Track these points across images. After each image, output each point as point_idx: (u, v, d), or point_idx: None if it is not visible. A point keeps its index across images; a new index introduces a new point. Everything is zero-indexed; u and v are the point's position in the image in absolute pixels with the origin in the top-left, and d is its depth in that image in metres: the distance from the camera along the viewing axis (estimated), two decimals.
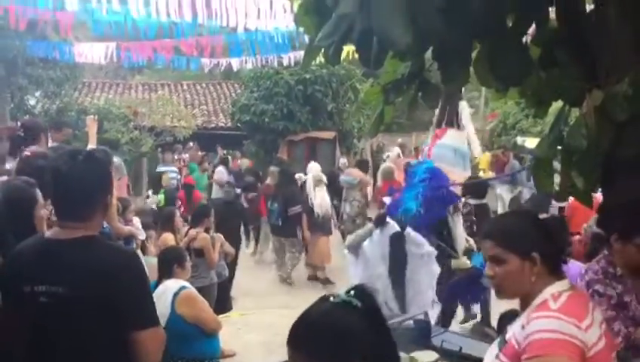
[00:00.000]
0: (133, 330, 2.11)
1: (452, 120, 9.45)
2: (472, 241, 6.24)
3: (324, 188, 9.63)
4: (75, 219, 2.17)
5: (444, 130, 10.20)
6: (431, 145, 10.29)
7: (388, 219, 5.26)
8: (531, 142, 13.78)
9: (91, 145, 5.02)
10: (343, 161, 13.72)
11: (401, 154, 15.63)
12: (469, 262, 5.85)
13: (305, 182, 9.95)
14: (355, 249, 5.27)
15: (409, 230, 5.26)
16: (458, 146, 9.87)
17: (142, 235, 5.64)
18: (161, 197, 10.01)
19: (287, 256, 9.63)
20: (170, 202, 10.17)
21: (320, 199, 9.36)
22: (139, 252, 5.40)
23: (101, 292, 2.06)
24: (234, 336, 6.15)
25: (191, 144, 16.53)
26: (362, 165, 12.78)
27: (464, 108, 9.72)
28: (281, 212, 9.36)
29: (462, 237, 6.10)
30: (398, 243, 5.17)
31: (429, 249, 5.30)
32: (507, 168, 14.52)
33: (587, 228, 6.36)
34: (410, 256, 5.20)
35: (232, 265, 7.93)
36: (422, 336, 3.01)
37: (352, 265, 5.45)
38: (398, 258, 5.21)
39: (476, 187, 7.29)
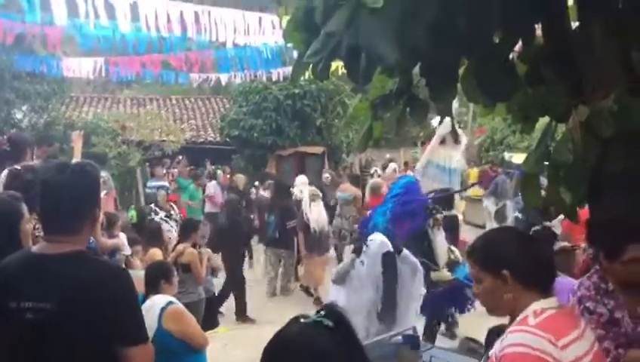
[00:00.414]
0: (123, 346, 2.08)
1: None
2: (457, 253, 6.27)
3: (321, 203, 9.56)
4: (64, 232, 2.14)
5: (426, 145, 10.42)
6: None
7: (376, 239, 5.15)
8: (518, 158, 13.91)
9: (76, 159, 4.99)
10: (325, 175, 13.69)
11: (397, 170, 15.65)
12: (449, 274, 5.88)
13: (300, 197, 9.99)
14: (342, 280, 5.21)
15: (404, 251, 5.18)
16: (440, 163, 10.02)
17: (127, 251, 5.59)
18: (132, 213, 9.85)
19: (281, 270, 9.57)
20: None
21: (317, 214, 9.22)
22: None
23: (90, 308, 2.03)
24: (220, 352, 6.09)
25: (180, 157, 16.49)
26: (354, 180, 12.82)
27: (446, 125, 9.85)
28: (278, 224, 9.35)
29: (443, 250, 6.13)
30: (391, 262, 5.08)
31: (419, 267, 5.27)
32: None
33: (586, 246, 6.42)
34: (401, 276, 5.14)
35: (232, 282, 7.90)
36: (411, 352, 3.00)
37: (333, 294, 5.32)
38: (391, 278, 5.11)
39: (443, 199, 7.37)
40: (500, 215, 12.78)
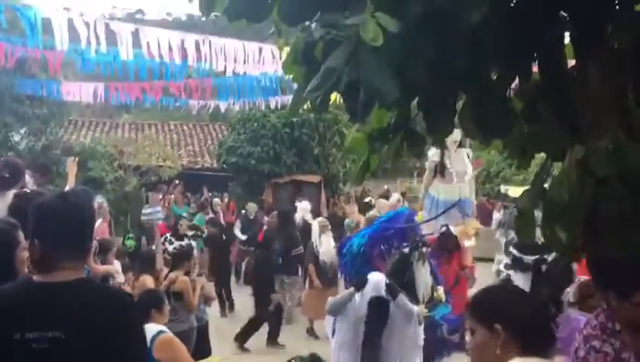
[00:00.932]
0: None
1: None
2: (441, 292, 6.20)
3: (330, 234, 9.52)
4: (74, 258, 2.13)
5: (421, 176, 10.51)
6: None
7: (372, 280, 4.99)
8: (514, 191, 13.96)
9: (69, 185, 5.00)
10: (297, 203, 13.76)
11: (401, 200, 15.62)
12: (425, 311, 5.80)
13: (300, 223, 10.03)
14: (336, 312, 5.03)
15: (401, 296, 4.97)
16: (441, 196, 10.09)
17: (120, 278, 5.55)
18: (130, 243, 9.82)
19: (287, 295, 9.52)
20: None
21: (326, 246, 9.15)
22: None
23: (101, 335, 2.02)
24: None
25: (177, 182, 16.46)
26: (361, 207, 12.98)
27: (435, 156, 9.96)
28: (282, 251, 9.32)
29: (425, 285, 6.04)
30: (377, 307, 4.86)
31: (414, 313, 5.03)
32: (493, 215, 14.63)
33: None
34: (393, 321, 4.90)
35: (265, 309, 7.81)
36: None
37: (329, 325, 5.13)
38: (374, 322, 4.88)
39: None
40: (509, 245, 12.71)
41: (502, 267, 7.50)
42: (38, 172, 5.93)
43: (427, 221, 8.75)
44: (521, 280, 6.77)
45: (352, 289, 5.08)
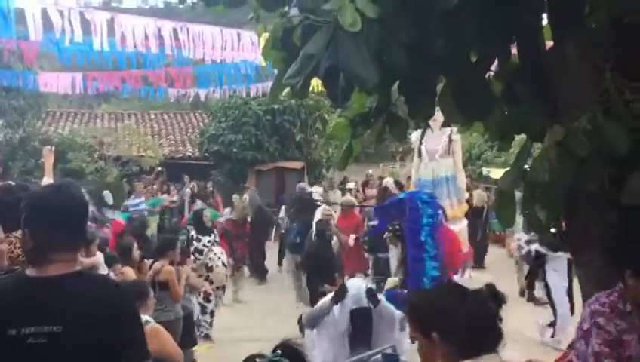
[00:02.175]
0: None
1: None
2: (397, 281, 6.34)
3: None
4: (69, 250, 2.10)
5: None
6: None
7: (351, 290, 4.57)
8: (496, 173, 14.04)
9: (47, 176, 4.86)
10: (311, 189, 13.69)
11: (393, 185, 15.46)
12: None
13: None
14: (313, 325, 4.63)
15: (382, 303, 4.64)
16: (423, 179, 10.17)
17: (103, 270, 5.50)
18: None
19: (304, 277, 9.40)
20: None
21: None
22: None
23: (100, 327, 2.00)
24: None
25: (159, 169, 16.28)
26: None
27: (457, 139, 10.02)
28: (300, 230, 9.39)
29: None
30: (361, 320, 4.49)
31: (396, 317, 4.64)
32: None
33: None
34: (376, 330, 4.55)
35: None
36: None
37: (307, 337, 4.69)
38: (360, 336, 4.52)
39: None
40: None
41: (523, 243, 7.87)
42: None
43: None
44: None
45: (328, 300, 4.58)
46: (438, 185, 10.10)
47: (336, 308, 4.49)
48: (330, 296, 4.65)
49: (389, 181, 12.15)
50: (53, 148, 5.41)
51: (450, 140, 9.99)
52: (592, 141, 2.10)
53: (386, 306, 4.62)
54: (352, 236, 9.25)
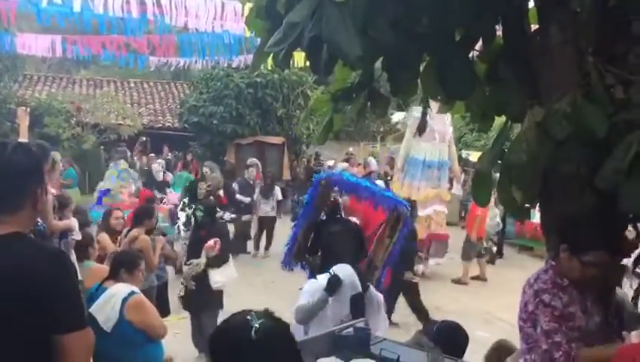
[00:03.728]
0: (58, 333, 1.97)
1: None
2: None
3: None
4: (3, 211, 2.05)
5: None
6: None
7: (345, 277, 4.42)
8: (475, 156, 14.15)
9: (22, 138, 4.75)
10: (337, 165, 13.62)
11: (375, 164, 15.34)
12: None
13: None
14: (308, 322, 4.41)
15: (371, 290, 4.57)
16: (429, 159, 10.20)
17: (78, 235, 5.44)
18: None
19: None
20: None
21: None
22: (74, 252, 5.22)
23: (23, 292, 1.93)
24: (172, 340, 6.00)
25: (143, 139, 16.05)
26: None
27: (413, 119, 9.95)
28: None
29: None
30: (360, 304, 4.36)
31: (382, 301, 4.63)
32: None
33: None
34: (367, 315, 4.34)
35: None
36: (361, 344, 3.02)
37: (298, 331, 4.40)
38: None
39: None
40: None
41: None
42: None
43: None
44: None
45: (323, 294, 4.32)
46: (442, 167, 10.20)
47: (332, 300, 4.34)
48: (313, 286, 4.46)
49: (371, 160, 12.15)
50: (28, 109, 5.30)
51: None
52: (571, 123, 2.12)
53: (373, 291, 4.56)
54: None
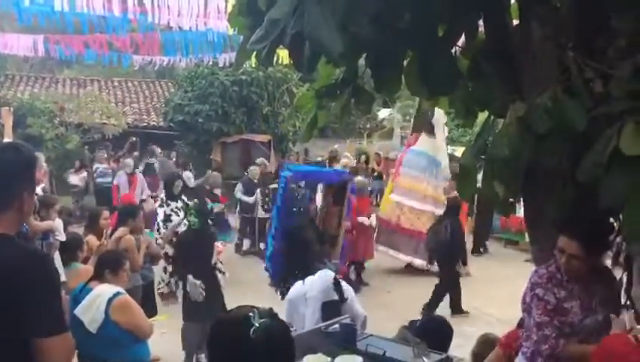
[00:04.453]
0: (37, 337, 1.92)
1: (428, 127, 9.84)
2: None
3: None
4: None
5: (416, 136, 10.46)
6: (404, 152, 10.58)
7: (316, 284, 4.35)
8: (460, 152, 14.21)
9: (7, 138, 4.73)
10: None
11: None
12: None
13: None
14: (296, 307, 4.38)
15: (351, 295, 4.42)
16: (431, 154, 10.20)
17: (62, 236, 5.40)
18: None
19: None
20: None
21: None
22: (57, 254, 5.17)
23: (2, 294, 1.91)
24: (159, 340, 5.99)
25: (133, 139, 15.85)
26: None
27: (440, 117, 10.02)
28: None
29: None
30: (332, 311, 4.20)
31: (362, 315, 4.39)
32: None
33: None
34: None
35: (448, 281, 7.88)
36: (347, 340, 3.03)
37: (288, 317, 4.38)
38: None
39: None
40: None
41: None
42: None
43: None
44: None
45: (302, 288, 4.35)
46: (437, 165, 10.22)
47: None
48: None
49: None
50: (11, 108, 5.28)
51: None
52: (551, 118, 2.13)
53: (352, 302, 4.37)
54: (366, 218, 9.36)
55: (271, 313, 1.68)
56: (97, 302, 3.78)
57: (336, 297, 4.31)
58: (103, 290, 3.87)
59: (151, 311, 6.14)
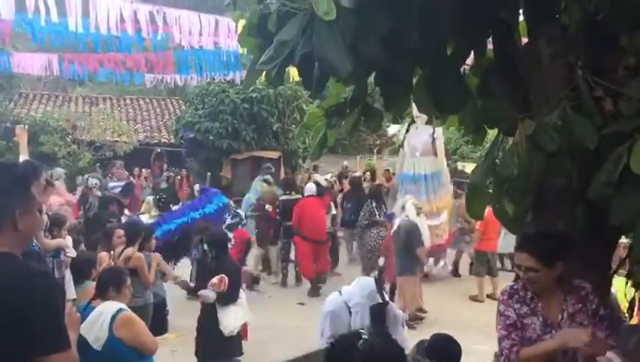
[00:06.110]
0: (40, 355, 1.94)
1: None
2: None
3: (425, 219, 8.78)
4: None
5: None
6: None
7: (364, 288, 4.50)
8: (470, 168, 14.18)
9: (23, 155, 4.78)
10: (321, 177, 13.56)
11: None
12: None
13: None
14: (339, 317, 4.47)
15: (391, 304, 4.62)
16: (428, 172, 10.26)
17: (72, 252, 5.43)
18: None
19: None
20: None
21: (426, 231, 8.32)
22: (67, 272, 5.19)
23: (5, 313, 1.91)
24: (169, 359, 5.97)
25: (159, 150, 15.96)
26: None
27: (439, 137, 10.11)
28: (354, 209, 10.68)
29: None
30: (380, 315, 4.43)
31: (401, 318, 4.64)
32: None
33: None
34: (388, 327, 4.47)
35: None
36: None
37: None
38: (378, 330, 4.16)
39: None
40: None
41: None
42: None
43: None
44: None
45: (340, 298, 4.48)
46: (417, 181, 10.22)
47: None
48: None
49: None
50: (25, 126, 5.34)
51: (434, 139, 9.99)
52: (561, 136, 2.13)
53: (392, 305, 4.68)
54: None
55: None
56: (101, 320, 3.77)
57: (380, 300, 4.50)
58: (106, 307, 3.87)
59: (162, 329, 6.14)
